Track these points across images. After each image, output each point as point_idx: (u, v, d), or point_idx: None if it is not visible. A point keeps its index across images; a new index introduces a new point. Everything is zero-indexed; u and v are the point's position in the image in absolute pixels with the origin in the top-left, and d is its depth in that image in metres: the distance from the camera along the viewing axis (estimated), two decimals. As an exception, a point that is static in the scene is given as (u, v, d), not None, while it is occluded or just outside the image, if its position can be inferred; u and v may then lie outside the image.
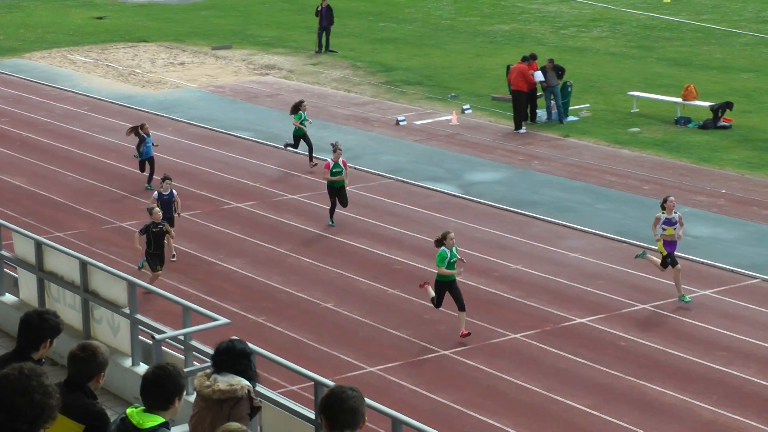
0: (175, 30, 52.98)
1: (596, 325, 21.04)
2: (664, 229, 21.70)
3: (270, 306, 21.65)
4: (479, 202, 28.42)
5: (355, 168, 29.55)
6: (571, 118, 36.47)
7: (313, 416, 11.13)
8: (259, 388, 10.31)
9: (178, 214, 24.56)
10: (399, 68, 44.07)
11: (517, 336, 20.60)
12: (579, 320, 21.26)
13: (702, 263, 23.96)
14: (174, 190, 24.27)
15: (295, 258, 24.45)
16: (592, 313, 21.51)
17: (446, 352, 19.92)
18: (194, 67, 45.55)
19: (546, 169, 30.93)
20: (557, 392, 18.45)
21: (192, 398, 9.99)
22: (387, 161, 32.09)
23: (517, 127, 35.37)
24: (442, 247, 20.06)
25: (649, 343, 20.28)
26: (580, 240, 25.70)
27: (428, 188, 29.59)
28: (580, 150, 33.20)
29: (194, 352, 12.39)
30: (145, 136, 28.38)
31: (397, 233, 26.09)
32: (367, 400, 7.45)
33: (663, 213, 21.79)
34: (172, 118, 37.29)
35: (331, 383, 11.66)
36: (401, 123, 36.26)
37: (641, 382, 18.64)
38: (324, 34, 47.26)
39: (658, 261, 22.03)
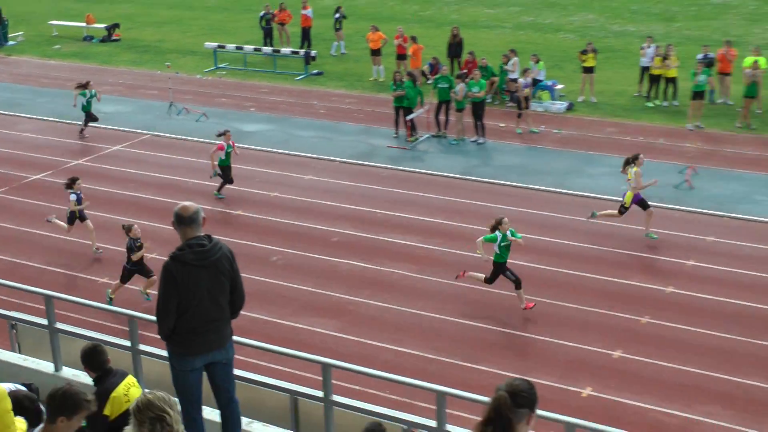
0: None
1: (49, 180, 21.70)
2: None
3: None
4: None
5: None
6: (10, 42, 36.67)
7: None
8: None
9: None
10: None
11: (-5, 191, 20.82)
12: (35, 177, 21.86)
13: (115, 130, 25.44)
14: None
15: None
16: (47, 170, 22.12)
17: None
18: None
19: (-3, 79, 31.14)
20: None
21: None
22: None
23: (-29, 52, 34.94)
24: (496, 232, 14.87)
25: (130, 170, 21.23)
26: (29, 124, 26.41)
27: None
28: (20, 64, 33.71)
29: None
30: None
31: None
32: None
33: (638, 168, 17.09)
34: None
35: None
36: None
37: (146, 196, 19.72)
38: None
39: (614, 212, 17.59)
